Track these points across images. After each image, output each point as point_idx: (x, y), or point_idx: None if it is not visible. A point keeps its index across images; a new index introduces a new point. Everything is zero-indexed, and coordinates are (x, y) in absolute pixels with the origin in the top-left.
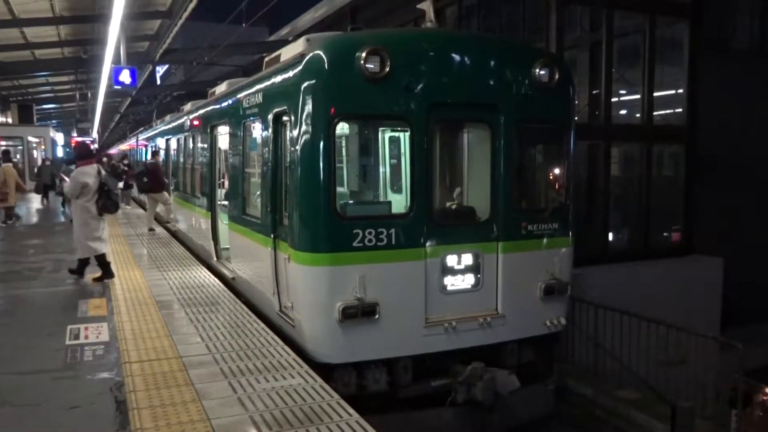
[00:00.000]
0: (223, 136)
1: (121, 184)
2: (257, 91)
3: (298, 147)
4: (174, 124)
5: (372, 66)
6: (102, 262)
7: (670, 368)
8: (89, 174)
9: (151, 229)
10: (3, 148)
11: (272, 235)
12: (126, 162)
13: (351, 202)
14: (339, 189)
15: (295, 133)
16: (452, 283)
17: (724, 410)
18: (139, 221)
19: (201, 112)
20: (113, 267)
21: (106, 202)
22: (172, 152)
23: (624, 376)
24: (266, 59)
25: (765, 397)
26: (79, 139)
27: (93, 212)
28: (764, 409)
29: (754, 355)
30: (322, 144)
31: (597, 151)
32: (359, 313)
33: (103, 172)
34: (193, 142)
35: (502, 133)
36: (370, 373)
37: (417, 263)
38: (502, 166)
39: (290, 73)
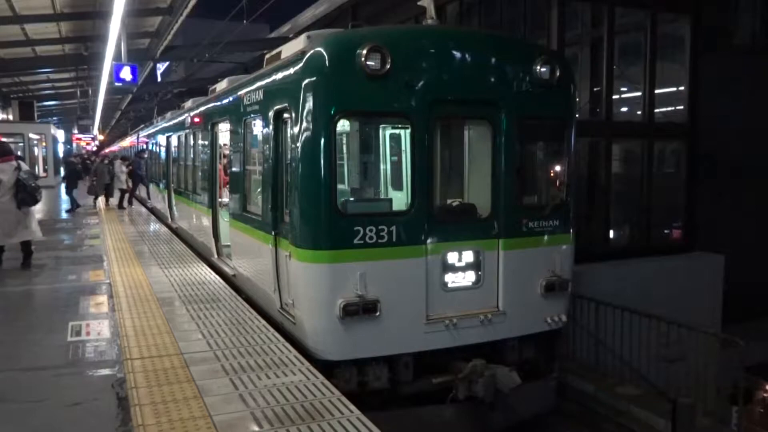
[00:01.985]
0: (224, 133)
1: None
2: (258, 89)
3: (299, 144)
4: (175, 121)
5: (373, 63)
6: (25, 251)
7: (671, 365)
8: (4, 171)
9: None
10: None
11: (273, 233)
12: None
13: (352, 199)
14: (340, 186)
15: (296, 130)
16: (453, 280)
17: (725, 406)
18: (140, 218)
19: (202, 109)
20: (115, 264)
21: (24, 196)
22: (172, 149)
23: (625, 373)
24: (267, 56)
25: (766, 394)
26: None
27: (9, 207)
28: (765, 406)
29: (755, 352)
30: (322, 141)
31: (598, 148)
32: (360, 310)
33: (24, 167)
34: (194, 139)
35: (503, 130)
36: (371, 370)
37: (418, 260)
38: (503, 163)
39: (291, 71)
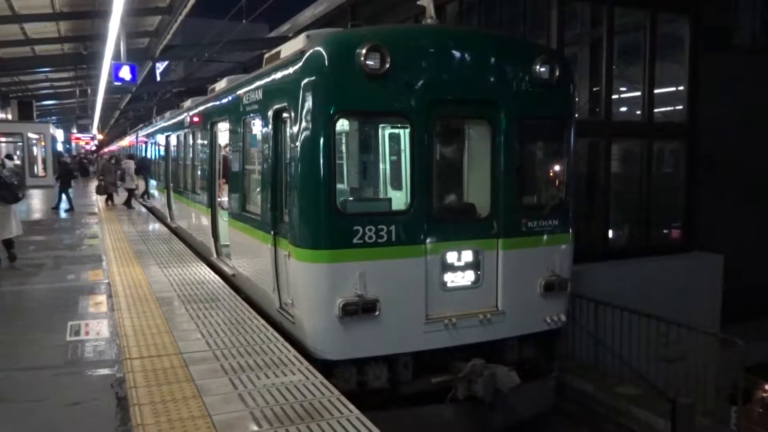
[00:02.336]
0: (223, 132)
1: None
2: (257, 88)
3: (298, 143)
4: (174, 120)
5: (372, 63)
6: (5, 245)
7: (670, 364)
8: None
9: None
10: None
11: (272, 232)
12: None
13: (351, 198)
14: (339, 186)
15: (296, 129)
16: (452, 279)
17: (725, 406)
18: (139, 218)
19: (201, 108)
20: (114, 264)
21: (5, 194)
22: (171, 149)
23: (624, 373)
24: (266, 56)
25: (765, 394)
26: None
27: None
28: (764, 405)
29: (754, 352)
30: (322, 141)
31: (597, 148)
32: (359, 309)
33: (9, 165)
34: (193, 138)
35: (503, 130)
36: (370, 370)
37: (417, 260)
38: (503, 163)
39: (290, 70)
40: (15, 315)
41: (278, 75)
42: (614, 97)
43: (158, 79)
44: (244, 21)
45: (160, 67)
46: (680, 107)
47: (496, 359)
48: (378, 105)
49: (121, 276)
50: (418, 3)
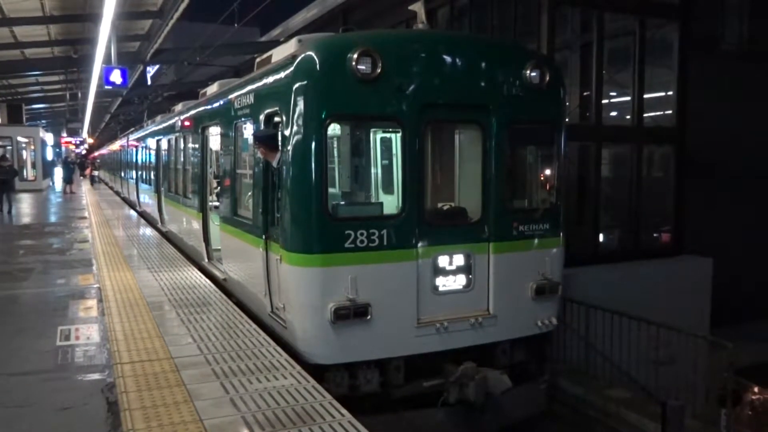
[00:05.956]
0: (215, 136)
1: None
2: (249, 92)
3: (289, 148)
4: (165, 124)
5: (363, 67)
6: None
7: (660, 367)
8: None
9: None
10: None
11: (264, 236)
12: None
13: (343, 203)
14: (331, 190)
15: (287, 133)
16: (444, 283)
17: (714, 409)
18: (130, 222)
19: (192, 112)
20: (104, 268)
21: None
22: (162, 153)
23: (615, 376)
24: (257, 60)
25: (754, 396)
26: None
27: None
28: (753, 408)
29: (743, 354)
30: (313, 145)
31: (588, 152)
32: (351, 313)
33: None
34: (184, 142)
35: (494, 134)
36: (362, 374)
37: (409, 264)
38: (494, 167)
39: (282, 74)
40: (4, 319)
41: (270, 79)
42: (604, 101)
43: (149, 82)
44: (235, 25)
45: (151, 70)
46: (669, 111)
47: (488, 363)
48: (369, 109)
49: (112, 280)
50: (410, 8)
